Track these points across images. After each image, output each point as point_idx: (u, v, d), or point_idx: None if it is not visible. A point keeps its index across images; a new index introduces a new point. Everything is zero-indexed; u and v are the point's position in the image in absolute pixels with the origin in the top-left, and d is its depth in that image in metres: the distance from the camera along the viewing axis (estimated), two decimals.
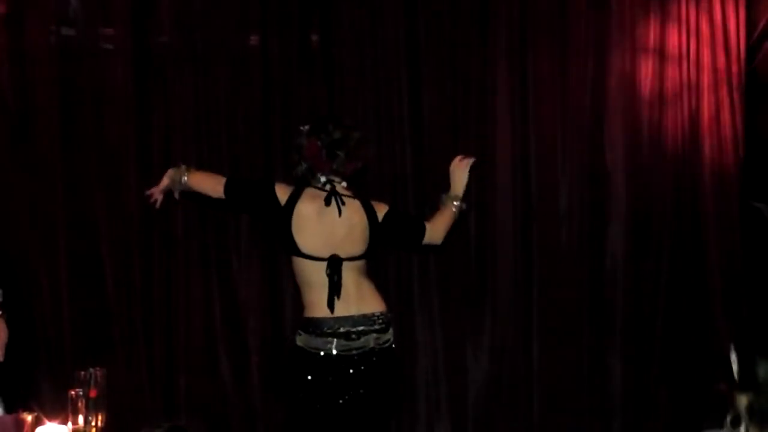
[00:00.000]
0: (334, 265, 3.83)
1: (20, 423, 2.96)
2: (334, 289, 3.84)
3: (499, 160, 4.96)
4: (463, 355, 4.98)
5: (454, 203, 4.11)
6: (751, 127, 5.11)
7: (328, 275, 3.82)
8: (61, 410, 3.02)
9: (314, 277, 3.85)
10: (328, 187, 3.89)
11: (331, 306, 3.83)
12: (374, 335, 3.88)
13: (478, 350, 4.97)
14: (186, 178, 3.91)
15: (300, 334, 3.90)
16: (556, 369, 4.99)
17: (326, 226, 3.85)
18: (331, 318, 3.83)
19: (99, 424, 3.03)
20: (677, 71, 5.05)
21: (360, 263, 3.91)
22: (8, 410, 3.48)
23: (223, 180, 3.92)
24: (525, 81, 4.98)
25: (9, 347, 3.77)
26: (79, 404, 3.00)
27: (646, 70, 5.03)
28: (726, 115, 5.06)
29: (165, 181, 3.96)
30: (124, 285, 4.70)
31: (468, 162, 4.14)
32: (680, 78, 5.05)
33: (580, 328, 5.02)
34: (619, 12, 5.01)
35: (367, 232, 3.91)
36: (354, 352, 3.84)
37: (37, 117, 4.63)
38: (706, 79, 5.06)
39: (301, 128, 3.98)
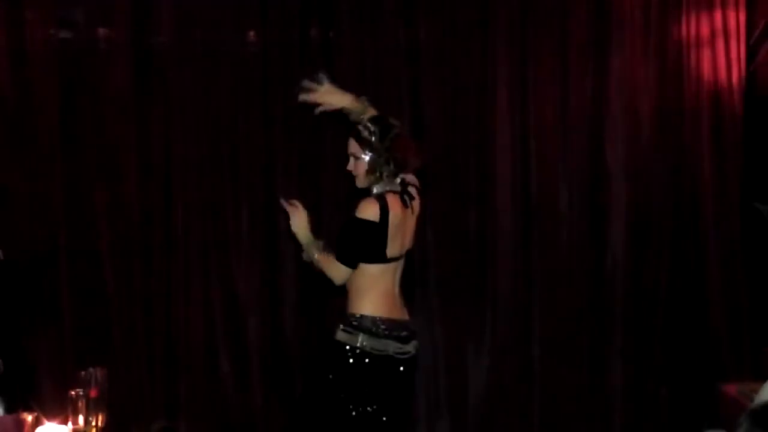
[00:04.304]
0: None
1: (20, 423, 2.96)
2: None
3: (499, 160, 4.95)
4: (463, 355, 4.98)
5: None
6: (751, 127, 5.11)
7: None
8: (61, 410, 3.02)
9: (386, 278, 3.75)
10: (399, 185, 3.76)
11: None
12: (414, 342, 3.80)
13: (478, 350, 4.97)
14: (317, 256, 3.72)
15: (350, 332, 3.68)
16: (556, 369, 4.98)
17: (407, 225, 3.77)
18: (388, 319, 3.72)
19: (99, 424, 3.03)
20: (677, 71, 5.04)
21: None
22: (8, 410, 3.47)
23: (337, 264, 3.68)
24: (525, 81, 4.98)
25: (9, 347, 3.77)
26: (80, 404, 3.00)
27: (646, 69, 5.03)
28: (726, 115, 5.06)
29: (297, 232, 3.75)
30: (124, 285, 4.70)
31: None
32: (680, 78, 5.04)
33: (580, 328, 5.01)
34: (619, 13, 5.00)
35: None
36: (400, 356, 3.72)
37: (37, 117, 4.63)
38: (706, 79, 5.06)
39: (392, 122, 3.75)
